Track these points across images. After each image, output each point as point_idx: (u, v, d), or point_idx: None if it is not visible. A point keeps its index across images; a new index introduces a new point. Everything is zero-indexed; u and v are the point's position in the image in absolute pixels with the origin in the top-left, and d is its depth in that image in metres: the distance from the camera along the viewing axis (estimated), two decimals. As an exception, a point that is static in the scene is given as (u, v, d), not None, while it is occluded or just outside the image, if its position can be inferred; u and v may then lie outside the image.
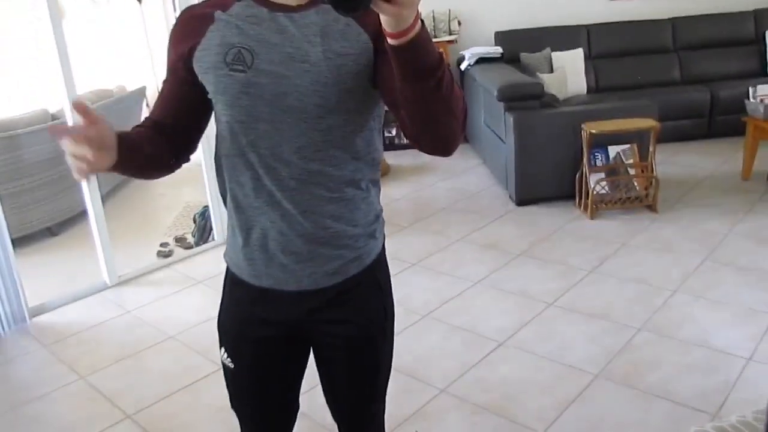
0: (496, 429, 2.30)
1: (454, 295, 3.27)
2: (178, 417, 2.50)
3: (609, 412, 2.34)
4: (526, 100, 4.30)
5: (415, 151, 5.67)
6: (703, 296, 3.07)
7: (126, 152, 1.12)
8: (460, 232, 4.04)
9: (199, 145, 1.38)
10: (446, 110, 1.04)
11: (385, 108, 1.26)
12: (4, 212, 3.15)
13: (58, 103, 4.78)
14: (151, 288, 3.64)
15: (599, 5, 6.05)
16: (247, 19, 1.18)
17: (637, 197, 4.13)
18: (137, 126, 1.27)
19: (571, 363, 2.64)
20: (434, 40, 5.70)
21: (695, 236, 3.72)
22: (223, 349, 1.41)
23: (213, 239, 4.20)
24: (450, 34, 5.86)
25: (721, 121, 5.42)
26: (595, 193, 4.05)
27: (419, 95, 1.01)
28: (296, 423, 1.50)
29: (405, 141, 5.83)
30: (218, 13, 1.20)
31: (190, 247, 4.21)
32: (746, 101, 4.47)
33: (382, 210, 1.38)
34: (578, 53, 5.64)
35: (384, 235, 1.40)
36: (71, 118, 3.42)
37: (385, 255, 1.40)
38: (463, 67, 5.61)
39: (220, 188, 1.37)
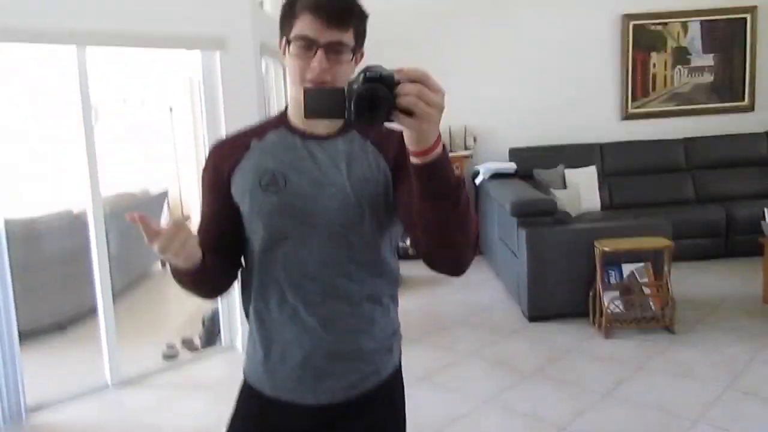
0: None
1: (463, 414, 3.15)
2: None
3: None
4: (538, 216, 4.33)
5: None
6: (727, 428, 2.91)
7: (204, 262, 1.24)
8: (471, 347, 3.96)
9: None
10: (461, 231, 1.11)
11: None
12: (16, 306, 3.17)
13: (82, 203, 4.93)
14: (152, 390, 3.57)
15: (612, 125, 6.21)
16: (280, 146, 1.30)
17: (653, 317, 4.04)
18: None
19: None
20: (450, 154, 5.85)
21: (716, 361, 3.60)
22: None
23: (220, 343, 4.15)
24: (465, 149, 6.01)
25: (739, 241, 5.39)
26: (609, 311, 3.97)
27: (437, 214, 1.08)
28: None
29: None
30: (254, 142, 1.32)
31: (196, 350, 4.16)
32: (762, 222, 4.45)
33: (399, 325, 1.43)
34: (592, 171, 5.73)
35: (401, 350, 1.43)
36: (91, 221, 3.49)
37: (401, 370, 1.43)
38: (477, 181, 5.71)
39: (244, 304, 1.42)
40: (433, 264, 1.18)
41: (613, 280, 4.08)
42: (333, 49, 1.19)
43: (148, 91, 7.05)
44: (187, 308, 5.04)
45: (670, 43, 6.10)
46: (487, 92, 6.15)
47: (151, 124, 7.16)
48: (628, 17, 6.01)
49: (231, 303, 4.04)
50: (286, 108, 1.36)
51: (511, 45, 6.10)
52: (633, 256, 4.08)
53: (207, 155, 1.38)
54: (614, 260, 4.07)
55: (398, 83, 0.96)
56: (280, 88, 4.90)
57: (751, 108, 6.21)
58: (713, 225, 5.42)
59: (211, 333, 4.28)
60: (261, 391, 1.37)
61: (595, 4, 6.05)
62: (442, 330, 4.27)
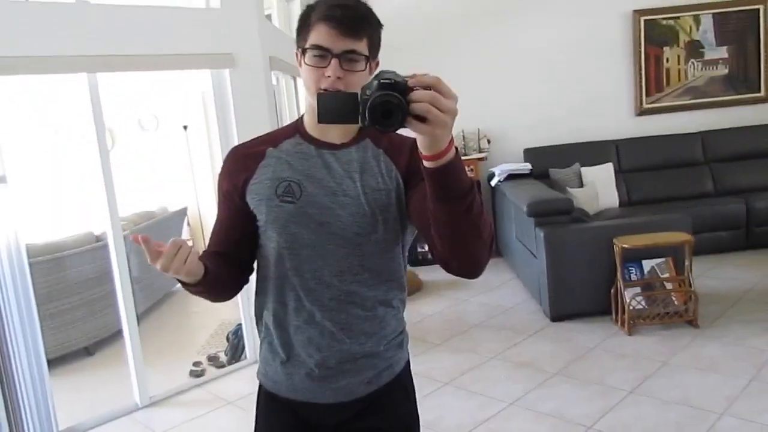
0: None
1: (488, 417, 3.16)
2: None
3: None
4: (555, 215, 4.33)
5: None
6: (753, 420, 2.89)
7: (208, 276, 1.29)
8: (493, 349, 3.96)
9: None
10: (475, 233, 1.12)
11: (415, 232, 1.39)
12: (43, 333, 3.23)
13: (102, 226, 5.01)
14: (181, 409, 3.61)
15: (627, 121, 6.18)
16: (296, 155, 1.34)
17: (676, 312, 4.02)
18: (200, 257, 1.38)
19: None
20: (464, 157, 5.87)
21: (740, 354, 3.57)
22: None
23: (245, 358, 4.19)
24: (480, 151, 6.02)
25: (759, 233, 5.34)
26: (631, 308, 3.96)
27: (451, 216, 1.10)
28: None
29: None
30: (270, 150, 1.36)
31: (222, 366, 4.20)
32: (782, 213, 4.41)
33: (405, 324, 1.49)
34: (608, 168, 5.71)
35: (407, 347, 1.50)
36: (113, 241, 3.55)
37: (409, 364, 1.50)
38: (493, 183, 5.72)
39: (256, 308, 1.46)
40: (449, 267, 1.19)
41: (633, 277, 4.06)
42: (347, 58, 1.22)
43: (162, 110, 7.16)
44: (211, 325, 5.10)
45: (683, 37, 6.06)
46: (500, 94, 6.16)
47: (167, 142, 7.26)
48: (639, 12, 5.98)
49: (255, 318, 4.07)
50: (302, 117, 1.39)
51: (522, 45, 6.11)
52: (653, 252, 4.06)
53: (223, 162, 1.42)
54: (634, 257, 4.06)
55: (411, 89, 0.97)
56: (292, 102, 4.96)
57: (767, 99, 6.15)
58: (733, 217, 5.37)
59: (236, 348, 4.32)
60: (278, 394, 1.42)
61: (605, 1, 6.03)
62: (464, 333, 4.28)
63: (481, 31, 6.10)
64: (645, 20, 6.00)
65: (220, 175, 1.41)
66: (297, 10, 5.40)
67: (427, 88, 0.97)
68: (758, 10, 5.99)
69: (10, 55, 3.09)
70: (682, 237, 4.01)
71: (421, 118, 0.96)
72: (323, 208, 1.29)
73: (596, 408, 3.14)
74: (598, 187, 5.53)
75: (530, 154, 5.94)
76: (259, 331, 1.47)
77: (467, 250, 1.15)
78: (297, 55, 1.30)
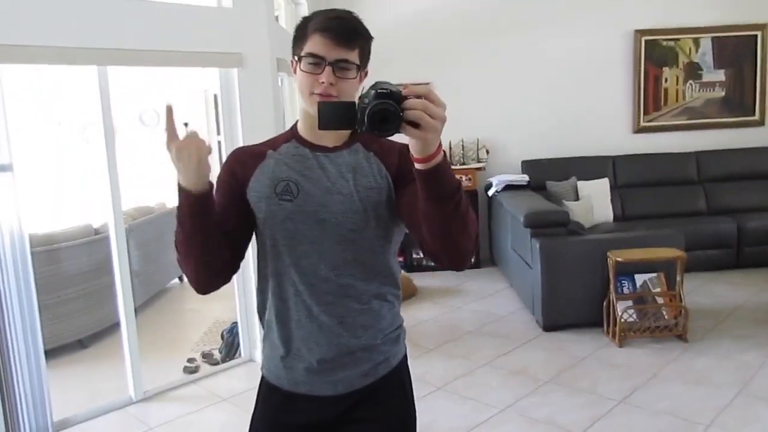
0: None
1: (481, 421, 3.21)
2: None
3: None
4: (552, 227, 4.39)
5: (442, 273, 5.75)
6: (739, 432, 2.96)
7: (209, 199, 1.33)
8: (486, 356, 4.01)
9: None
10: (462, 229, 1.23)
11: (405, 231, 1.45)
12: (42, 324, 3.25)
13: (102, 218, 5.03)
14: (175, 404, 3.64)
15: (624, 138, 6.28)
16: (293, 157, 1.43)
17: (666, 326, 4.09)
18: None
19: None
20: (463, 167, 5.96)
21: (728, 368, 3.64)
22: None
23: (240, 356, 4.22)
24: (478, 161, 6.09)
25: (750, 252, 5.43)
26: (623, 320, 4.02)
27: (440, 214, 1.20)
28: None
29: (432, 263, 5.90)
30: (270, 152, 1.45)
31: (216, 364, 4.22)
32: (773, 233, 4.50)
33: (403, 320, 1.55)
34: (604, 183, 5.79)
35: (405, 341, 1.56)
36: (114, 234, 3.58)
37: (407, 359, 1.55)
38: (490, 193, 5.79)
39: (259, 306, 1.52)
40: (438, 259, 1.31)
41: (626, 290, 4.13)
42: (340, 66, 1.33)
43: (163, 106, 7.20)
44: (205, 323, 5.13)
45: (682, 59, 6.17)
46: (500, 106, 6.25)
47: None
48: (640, 33, 6.09)
49: (250, 316, 4.11)
50: (296, 123, 1.49)
51: (524, 59, 6.20)
52: (646, 267, 4.13)
53: (226, 158, 1.50)
54: (627, 270, 4.12)
55: (405, 98, 1.08)
56: (296, 102, 5.01)
57: (761, 123, 6.27)
58: (725, 237, 5.46)
59: (230, 346, 4.35)
60: (280, 387, 1.48)
61: (608, 19, 6.13)
62: (458, 340, 4.33)
63: (485, 44, 6.18)
64: (646, 40, 6.10)
65: (222, 168, 1.48)
66: (304, 12, 5.46)
67: (418, 97, 1.08)
68: (756, 36, 6.12)
69: (26, 44, 3.12)
70: (675, 253, 4.08)
71: (415, 124, 1.07)
72: (319, 205, 1.37)
73: (587, 416, 3.19)
74: (594, 201, 5.61)
75: (528, 166, 6.01)
76: (263, 327, 1.52)
77: (455, 244, 1.25)
78: (293, 62, 1.40)
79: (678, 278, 4.07)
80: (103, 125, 3.46)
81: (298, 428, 1.46)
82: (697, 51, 6.16)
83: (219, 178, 1.47)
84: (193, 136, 1.25)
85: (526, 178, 5.78)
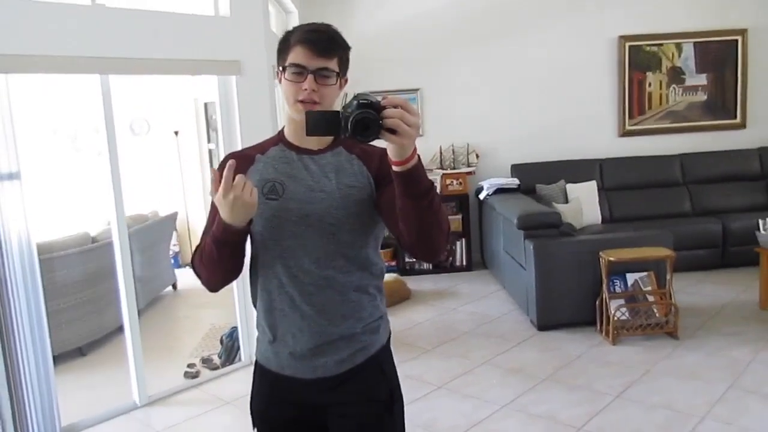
0: None
1: (482, 418, 3.29)
2: None
3: None
4: (544, 228, 4.50)
5: (436, 276, 5.84)
6: (732, 423, 3.07)
7: (249, 229, 1.46)
8: (484, 355, 4.10)
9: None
10: (436, 224, 1.38)
11: (386, 231, 1.58)
12: (50, 330, 3.27)
13: (99, 226, 5.05)
14: (180, 408, 3.68)
15: (610, 141, 6.42)
16: (279, 160, 1.56)
17: (657, 324, 4.20)
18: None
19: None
20: (454, 171, 6.07)
21: (719, 363, 3.76)
22: (255, 430, 1.67)
23: (240, 360, 4.26)
24: (468, 165, 6.19)
25: (735, 252, 5.58)
26: (615, 319, 4.13)
27: (415, 210, 1.34)
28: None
29: (426, 266, 6.01)
30: (258, 156, 1.58)
31: (216, 368, 4.26)
32: (757, 233, 4.63)
33: (386, 312, 1.66)
34: (592, 185, 5.92)
35: (390, 331, 1.67)
36: (116, 240, 3.63)
37: (389, 347, 1.66)
38: (481, 196, 5.89)
39: (252, 296, 1.66)
40: (414, 252, 1.46)
41: (618, 289, 4.24)
42: (321, 74, 1.45)
43: (153, 115, 7.21)
44: (201, 329, 5.15)
45: (665, 63, 6.33)
46: (490, 111, 6.37)
47: (158, 147, 7.31)
48: (625, 38, 6.24)
49: (249, 320, 4.16)
50: (283, 128, 1.61)
51: (512, 66, 6.32)
52: (637, 266, 4.25)
53: (219, 163, 1.60)
54: (619, 270, 4.24)
55: (384, 108, 1.22)
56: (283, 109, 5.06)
57: (743, 125, 6.44)
58: (710, 237, 5.61)
59: (230, 351, 4.39)
60: (269, 369, 1.61)
61: (593, 26, 6.28)
62: (454, 340, 4.41)
63: (474, 51, 6.30)
64: (630, 46, 6.25)
65: (218, 169, 1.56)
66: (295, 22, 5.54)
67: (396, 107, 1.22)
68: (737, 41, 6.29)
69: (28, 53, 3.17)
70: (665, 252, 4.20)
71: (392, 131, 1.21)
72: (303, 202, 1.49)
73: (585, 411, 3.29)
74: (583, 203, 5.73)
75: (517, 169, 6.13)
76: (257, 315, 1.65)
77: (430, 237, 1.39)
78: (278, 72, 1.52)
79: (668, 277, 4.19)
80: (107, 133, 3.51)
81: (288, 404, 1.60)
82: (679, 56, 6.32)
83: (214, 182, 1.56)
84: (243, 183, 1.34)
85: (516, 181, 5.89)
